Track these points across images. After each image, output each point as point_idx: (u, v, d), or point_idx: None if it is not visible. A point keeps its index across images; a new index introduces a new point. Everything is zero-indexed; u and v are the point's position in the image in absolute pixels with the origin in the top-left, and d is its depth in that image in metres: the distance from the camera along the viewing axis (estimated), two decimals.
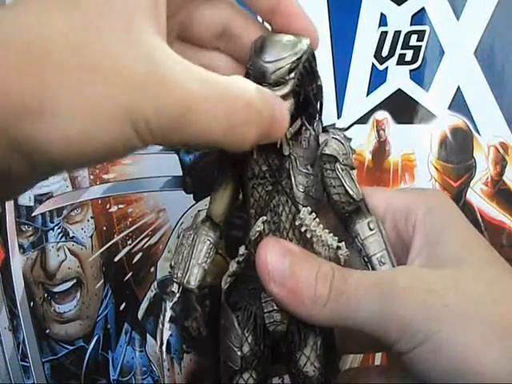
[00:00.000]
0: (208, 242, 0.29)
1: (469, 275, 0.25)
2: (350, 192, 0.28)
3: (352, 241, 0.29)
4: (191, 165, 0.47)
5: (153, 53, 0.20)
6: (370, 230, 0.28)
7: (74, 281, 0.48)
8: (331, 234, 0.28)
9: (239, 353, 0.28)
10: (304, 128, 0.28)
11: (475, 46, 0.44)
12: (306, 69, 0.26)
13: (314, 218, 0.27)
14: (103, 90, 0.19)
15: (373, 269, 0.28)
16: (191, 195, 0.47)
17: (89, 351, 0.48)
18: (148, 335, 0.47)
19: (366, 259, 0.28)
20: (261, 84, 0.25)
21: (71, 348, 0.48)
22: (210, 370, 0.44)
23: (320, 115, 0.28)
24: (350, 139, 0.29)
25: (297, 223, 0.27)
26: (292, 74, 0.26)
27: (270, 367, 0.29)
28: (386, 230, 0.29)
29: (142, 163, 0.47)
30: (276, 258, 0.26)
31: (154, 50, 0.20)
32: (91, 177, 0.47)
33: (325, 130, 0.28)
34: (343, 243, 0.28)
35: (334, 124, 0.29)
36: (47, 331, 0.48)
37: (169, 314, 0.27)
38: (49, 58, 0.19)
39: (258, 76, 0.25)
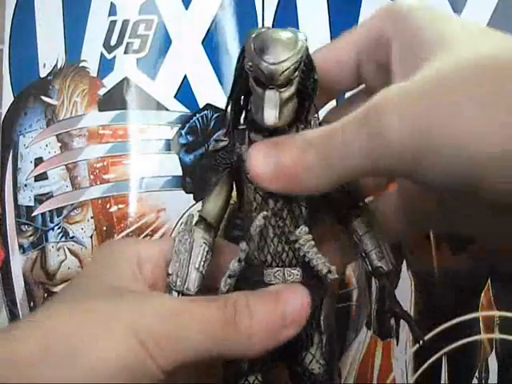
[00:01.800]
0: (204, 245, 0.28)
1: (445, 62, 0.22)
2: (350, 190, 0.28)
3: (349, 237, 0.29)
4: (191, 165, 0.47)
5: None
6: (366, 226, 0.28)
7: None
8: (323, 260, 0.27)
9: None
10: (301, 128, 0.27)
11: None
12: (306, 65, 0.26)
13: (310, 240, 0.27)
14: None
15: (371, 264, 0.28)
16: (191, 195, 0.47)
17: None
18: None
19: (364, 255, 0.28)
20: (265, 86, 0.25)
21: None
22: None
23: (315, 109, 0.28)
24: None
25: (291, 238, 0.27)
26: (296, 73, 0.25)
27: (273, 372, 0.29)
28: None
29: (142, 163, 0.47)
30: (262, 155, 0.25)
31: None
32: (91, 177, 0.47)
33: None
34: (334, 268, 0.27)
35: (324, 118, 0.29)
36: None
37: None
38: None
39: (263, 78, 0.25)
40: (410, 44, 0.25)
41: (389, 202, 0.31)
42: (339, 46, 0.29)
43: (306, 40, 0.26)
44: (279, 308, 0.25)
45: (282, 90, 0.25)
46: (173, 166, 0.47)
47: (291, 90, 0.25)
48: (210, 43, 0.47)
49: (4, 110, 0.52)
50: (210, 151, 0.29)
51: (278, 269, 0.28)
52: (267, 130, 0.26)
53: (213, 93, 0.47)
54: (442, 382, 0.48)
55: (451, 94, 0.21)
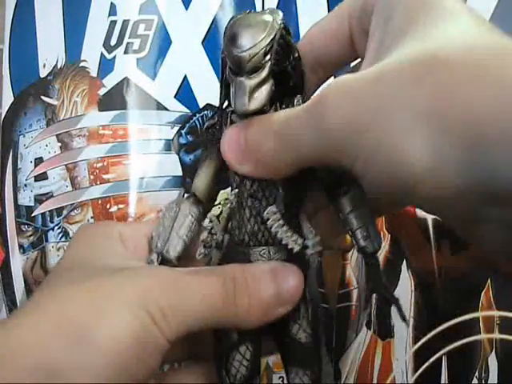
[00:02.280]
0: (190, 217, 0.29)
1: (401, 55, 0.22)
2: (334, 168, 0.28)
3: (336, 215, 0.28)
4: (191, 165, 0.47)
5: None
6: (353, 204, 0.28)
7: None
8: (294, 238, 0.27)
9: None
10: (283, 107, 0.27)
11: None
12: (281, 45, 0.25)
13: (279, 219, 0.27)
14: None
15: (357, 243, 0.28)
16: None
17: None
18: None
19: (351, 233, 0.28)
20: (237, 74, 0.25)
21: None
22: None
23: (303, 85, 0.28)
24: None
25: (264, 216, 0.27)
26: (267, 57, 0.25)
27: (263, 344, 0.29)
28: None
29: (142, 163, 0.47)
30: (233, 137, 0.26)
31: None
32: (91, 177, 0.47)
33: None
34: (314, 242, 0.27)
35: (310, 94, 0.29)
36: None
37: None
38: (58, 376, 0.21)
39: (233, 66, 0.25)
40: (385, 22, 0.25)
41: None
42: (333, 18, 0.29)
43: (282, 19, 0.25)
44: (276, 287, 0.26)
45: (252, 76, 0.25)
46: (173, 165, 0.47)
47: (261, 75, 0.25)
48: (210, 43, 0.47)
49: (4, 110, 0.52)
50: (203, 129, 0.30)
51: (263, 247, 0.28)
52: (244, 115, 0.27)
53: (213, 93, 0.47)
54: (442, 382, 0.48)
55: (385, 96, 0.21)
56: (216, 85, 0.47)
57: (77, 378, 0.21)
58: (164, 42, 0.48)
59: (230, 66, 0.26)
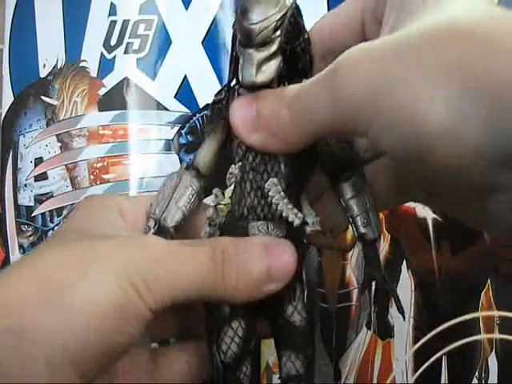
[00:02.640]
0: (190, 189, 0.29)
1: (424, 22, 0.22)
2: (337, 151, 0.28)
3: (338, 200, 0.28)
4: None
5: None
6: (355, 190, 0.28)
7: None
8: (295, 211, 0.27)
9: None
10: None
11: None
12: (292, 24, 0.26)
13: (279, 192, 0.27)
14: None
15: (357, 230, 0.28)
16: None
17: None
18: None
19: (351, 219, 0.28)
20: (246, 46, 0.25)
21: None
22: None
23: (311, 69, 0.28)
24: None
25: (266, 186, 0.27)
26: (278, 32, 0.25)
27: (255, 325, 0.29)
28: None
29: (142, 163, 0.47)
30: (243, 108, 0.26)
31: None
32: (91, 177, 0.47)
33: None
34: (314, 220, 0.27)
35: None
36: None
37: None
38: (24, 336, 0.21)
39: (243, 38, 0.25)
40: (397, 9, 0.25)
41: (378, 170, 0.30)
42: (346, 8, 0.29)
43: (295, 1, 0.26)
44: (266, 263, 0.26)
45: (261, 49, 0.25)
46: (173, 166, 0.47)
47: (271, 49, 0.25)
48: (210, 43, 0.47)
49: (4, 110, 0.52)
50: (210, 104, 0.30)
51: (262, 222, 0.28)
52: (251, 87, 0.27)
53: (213, 93, 0.47)
54: (442, 382, 0.48)
55: (405, 60, 0.21)
56: (216, 85, 0.48)
57: (45, 337, 0.21)
58: (164, 42, 0.48)
59: (239, 39, 0.26)
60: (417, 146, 0.21)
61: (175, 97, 0.48)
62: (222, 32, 0.48)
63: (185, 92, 0.47)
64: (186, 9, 0.48)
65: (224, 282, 0.25)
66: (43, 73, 0.49)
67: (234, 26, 0.27)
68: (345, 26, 0.29)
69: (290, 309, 0.28)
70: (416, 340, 0.48)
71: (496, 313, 0.47)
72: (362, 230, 0.28)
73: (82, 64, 0.48)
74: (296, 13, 0.26)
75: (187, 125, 0.48)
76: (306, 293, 0.28)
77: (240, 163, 0.28)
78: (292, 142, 0.25)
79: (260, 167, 0.27)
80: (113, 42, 0.48)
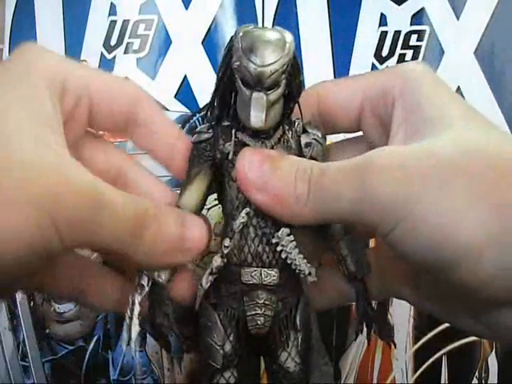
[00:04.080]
0: None
1: (444, 140, 0.24)
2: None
3: (329, 241, 0.29)
4: None
5: (61, 163, 0.22)
6: (344, 231, 0.28)
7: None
8: (305, 260, 0.27)
9: (221, 351, 0.28)
10: (287, 129, 0.28)
11: (475, 46, 0.44)
12: (293, 67, 0.25)
13: (292, 241, 0.27)
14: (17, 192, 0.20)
15: (346, 269, 0.28)
16: None
17: (89, 351, 0.48)
18: (148, 335, 0.47)
19: (341, 258, 0.28)
20: (252, 87, 0.25)
21: (71, 348, 0.48)
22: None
23: (301, 112, 0.28)
24: (325, 138, 0.28)
25: (273, 241, 0.27)
26: (284, 75, 0.25)
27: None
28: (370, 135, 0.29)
29: (142, 163, 0.47)
30: (255, 165, 0.26)
31: (62, 161, 0.22)
32: None
33: (304, 129, 0.28)
34: (314, 270, 0.27)
35: (308, 121, 0.29)
36: (47, 331, 0.48)
37: (138, 308, 0.26)
38: None
39: (251, 80, 0.24)
40: (412, 113, 0.26)
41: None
42: (347, 89, 0.30)
43: (293, 41, 0.25)
44: (181, 231, 0.26)
45: (269, 92, 0.25)
46: None
47: (278, 92, 0.25)
48: (210, 43, 0.47)
49: None
50: (192, 142, 0.28)
51: (255, 269, 0.28)
52: (255, 130, 0.26)
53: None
54: (442, 381, 0.48)
55: (439, 176, 0.22)
56: None
57: None
58: (164, 42, 0.48)
59: (242, 79, 0.25)
60: (439, 257, 0.23)
61: (175, 97, 0.48)
62: (222, 32, 0.48)
63: (185, 92, 0.47)
64: (186, 9, 0.48)
65: (142, 238, 0.24)
66: None
67: (224, 62, 0.26)
68: (342, 106, 0.30)
69: (284, 355, 0.28)
70: (416, 340, 0.48)
71: None
72: (352, 268, 0.28)
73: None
74: (295, 55, 0.26)
75: (187, 125, 0.49)
76: (299, 339, 0.28)
77: (248, 209, 0.27)
78: (303, 220, 0.26)
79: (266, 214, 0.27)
80: (113, 42, 0.48)
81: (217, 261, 0.27)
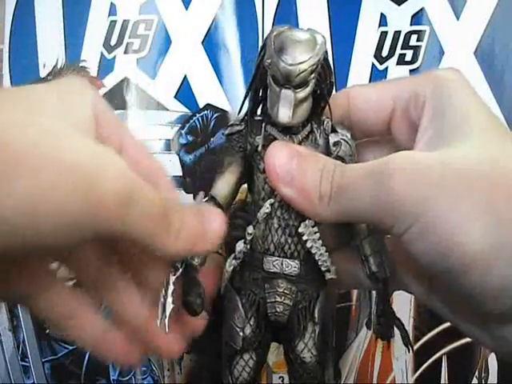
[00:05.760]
0: None
1: (461, 151, 0.25)
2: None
3: (352, 239, 0.29)
4: (191, 165, 0.47)
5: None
6: (368, 231, 0.29)
7: (74, 280, 0.48)
8: (325, 258, 0.28)
9: (241, 333, 0.29)
10: (315, 127, 0.28)
11: (475, 46, 0.44)
12: (323, 67, 0.26)
13: (316, 232, 0.28)
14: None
15: (369, 268, 0.28)
16: (191, 195, 0.47)
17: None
18: None
19: (363, 258, 0.29)
20: (282, 85, 0.26)
21: (71, 348, 0.48)
22: (210, 369, 0.45)
23: (330, 112, 0.29)
24: (354, 139, 0.29)
25: (299, 230, 0.28)
26: (313, 75, 0.26)
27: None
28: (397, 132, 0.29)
29: None
30: (284, 159, 0.27)
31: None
32: None
33: (334, 129, 0.29)
34: (334, 268, 0.28)
35: (339, 121, 0.29)
36: (47, 331, 0.48)
37: (172, 287, 0.27)
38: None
39: (280, 77, 0.26)
40: (438, 119, 0.27)
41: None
42: (379, 92, 0.30)
43: (325, 42, 0.26)
44: (203, 224, 0.26)
45: (298, 90, 0.26)
46: (173, 165, 0.47)
47: (306, 90, 0.26)
48: (210, 43, 0.47)
49: None
50: (225, 135, 0.30)
51: (277, 258, 0.29)
52: (283, 126, 0.27)
53: (213, 93, 0.47)
54: (442, 382, 0.48)
55: (453, 185, 0.23)
56: (216, 85, 0.48)
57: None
58: (164, 42, 0.48)
59: (273, 76, 0.26)
60: (447, 264, 0.23)
61: (175, 97, 0.48)
62: (222, 32, 0.48)
63: (185, 92, 0.48)
64: (186, 9, 0.48)
65: (168, 229, 0.25)
66: (43, 73, 0.49)
67: (260, 58, 0.27)
68: (375, 108, 0.30)
69: (301, 345, 0.29)
70: (416, 340, 0.48)
71: None
72: (374, 268, 0.28)
73: (81, 64, 0.48)
74: (326, 56, 0.27)
75: (187, 125, 0.49)
76: (317, 332, 0.29)
77: (272, 200, 0.28)
78: (325, 218, 0.26)
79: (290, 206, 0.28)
80: (113, 42, 0.48)
81: (240, 246, 0.28)
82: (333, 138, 0.28)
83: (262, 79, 0.27)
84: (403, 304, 0.47)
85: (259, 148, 0.28)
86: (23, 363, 0.49)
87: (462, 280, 0.23)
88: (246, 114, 0.29)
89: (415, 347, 0.47)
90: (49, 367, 0.49)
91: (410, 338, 0.30)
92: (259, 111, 0.29)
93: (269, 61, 0.26)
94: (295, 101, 0.26)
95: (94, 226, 0.21)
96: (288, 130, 0.28)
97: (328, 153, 0.28)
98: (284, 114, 0.26)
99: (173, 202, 0.26)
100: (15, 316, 0.49)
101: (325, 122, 0.28)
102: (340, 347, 0.47)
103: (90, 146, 0.22)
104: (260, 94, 0.28)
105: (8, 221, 0.19)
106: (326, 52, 0.27)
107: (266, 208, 0.28)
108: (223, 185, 0.29)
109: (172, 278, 0.27)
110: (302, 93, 0.26)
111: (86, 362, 0.48)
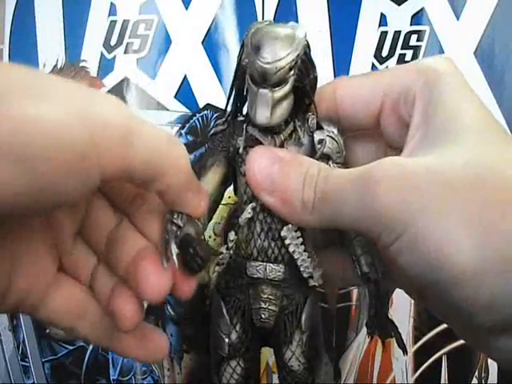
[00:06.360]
0: (196, 224, 0.27)
1: (452, 156, 0.23)
2: None
3: (342, 240, 0.29)
4: (191, 165, 0.47)
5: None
6: (357, 233, 0.28)
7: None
8: (307, 264, 0.28)
9: (227, 340, 0.28)
10: (299, 125, 0.27)
11: (475, 45, 0.44)
12: (304, 62, 0.25)
13: (298, 237, 0.27)
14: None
15: (360, 269, 0.28)
16: None
17: (89, 351, 0.48)
18: None
19: (354, 258, 0.28)
20: (260, 85, 0.25)
21: (71, 348, 0.48)
22: (210, 369, 0.45)
23: (315, 108, 0.28)
24: (342, 134, 0.28)
25: (282, 234, 0.27)
26: (292, 72, 0.25)
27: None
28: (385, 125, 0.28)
29: None
30: (265, 165, 0.26)
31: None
32: None
33: (319, 126, 0.28)
34: (318, 274, 0.28)
35: (324, 117, 0.28)
36: (47, 331, 0.48)
37: (173, 230, 0.24)
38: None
39: (257, 77, 0.25)
40: (429, 117, 0.26)
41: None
42: (368, 86, 0.29)
43: (305, 36, 0.25)
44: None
45: (276, 89, 0.25)
46: None
47: (285, 89, 0.25)
48: (210, 43, 0.47)
49: None
50: (210, 135, 0.29)
51: (260, 263, 0.28)
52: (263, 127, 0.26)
53: (213, 93, 0.47)
54: (442, 382, 0.48)
55: (439, 193, 0.22)
56: (216, 85, 0.48)
57: None
58: (164, 42, 0.48)
59: (251, 75, 0.25)
60: (436, 277, 0.23)
61: (175, 97, 0.48)
62: (222, 32, 0.48)
63: (185, 92, 0.48)
64: (186, 9, 0.48)
65: (166, 167, 0.23)
66: None
67: (240, 58, 0.26)
68: (364, 103, 0.29)
69: (289, 353, 0.28)
70: (416, 340, 0.48)
71: None
72: (365, 269, 0.28)
73: (82, 64, 0.48)
74: (308, 50, 0.26)
75: (187, 125, 0.49)
76: (304, 340, 0.28)
77: (254, 204, 0.27)
78: (308, 224, 0.26)
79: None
80: (113, 42, 0.48)
81: (222, 252, 0.28)
82: (318, 136, 0.27)
83: (242, 79, 0.26)
84: (403, 304, 0.47)
85: (240, 150, 0.27)
86: (23, 363, 0.49)
87: (452, 292, 0.23)
88: (228, 115, 0.28)
89: (415, 347, 0.47)
90: (49, 367, 0.49)
91: (404, 341, 0.30)
92: (245, 111, 0.28)
93: (246, 60, 0.25)
94: (273, 101, 0.25)
95: (98, 167, 0.20)
96: (269, 131, 0.27)
97: (313, 151, 0.27)
98: (262, 115, 0.25)
99: (170, 134, 0.24)
100: (15, 316, 0.49)
101: (309, 119, 0.28)
102: (340, 347, 0.47)
103: (84, 88, 0.21)
104: (241, 94, 0.27)
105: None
106: (308, 46, 0.26)
107: (247, 213, 0.27)
108: (206, 185, 0.28)
109: (172, 226, 0.25)
110: (281, 92, 0.25)
111: (86, 362, 0.48)
